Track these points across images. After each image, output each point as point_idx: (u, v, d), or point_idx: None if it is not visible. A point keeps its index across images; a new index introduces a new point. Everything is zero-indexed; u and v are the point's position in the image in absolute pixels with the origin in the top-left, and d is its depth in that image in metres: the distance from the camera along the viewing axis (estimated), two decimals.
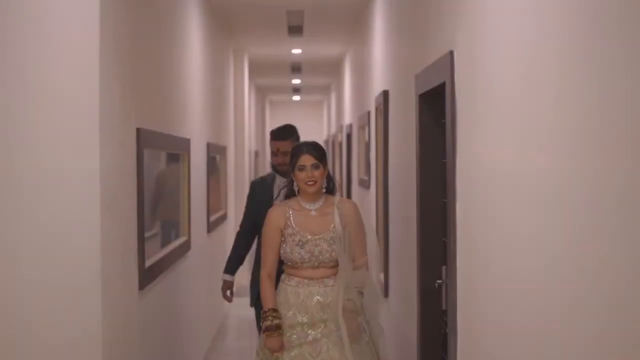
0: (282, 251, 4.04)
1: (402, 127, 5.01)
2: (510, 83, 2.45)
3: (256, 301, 4.97)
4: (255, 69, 13.58)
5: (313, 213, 4.07)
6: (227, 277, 5.27)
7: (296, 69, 13.78)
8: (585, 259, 1.84)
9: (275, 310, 3.97)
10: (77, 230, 2.84)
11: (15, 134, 2.60)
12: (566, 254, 1.96)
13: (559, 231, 2.01)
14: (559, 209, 2.01)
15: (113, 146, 3.44)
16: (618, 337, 1.68)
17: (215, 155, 8.07)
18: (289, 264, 4.06)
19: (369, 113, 7.43)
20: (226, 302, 6.00)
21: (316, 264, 4.00)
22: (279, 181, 5.04)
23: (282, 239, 4.05)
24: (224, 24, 9.18)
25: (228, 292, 5.26)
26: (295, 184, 4.10)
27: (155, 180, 5.02)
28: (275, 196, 4.71)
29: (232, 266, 5.28)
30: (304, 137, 4.88)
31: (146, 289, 4.32)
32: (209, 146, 7.44)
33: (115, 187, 3.53)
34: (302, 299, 3.99)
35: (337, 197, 4.18)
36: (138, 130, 4.04)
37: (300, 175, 4.03)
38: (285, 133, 5.19)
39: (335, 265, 4.01)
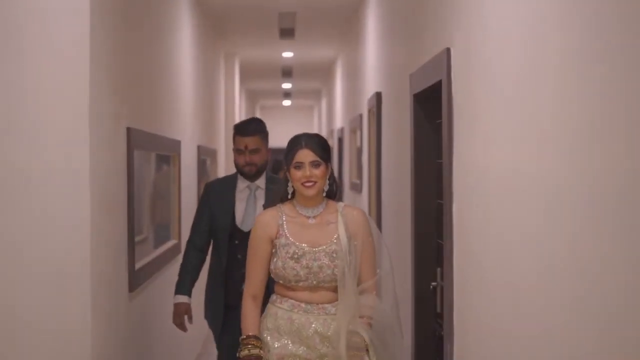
0: (272, 266, 3.30)
1: (396, 128, 4.98)
2: (509, 80, 2.42)
3: (220, 326, 4.36)
4: (246, 73, 13.55)
5: (311, 221, 3.33)
6: (182, 298, 4.36)
7: (287, 73, 13.76)
8: (586, 260, 1.81)
9: (256, 337, 3.25)
10: (66, 230, 2.78)
11: (3, 132, 2.55)
12: (566, 255, 1.93)
13: (558, 232, 1.98)
14: (558, 209, 1.98)
15: (103, 145, 3.39)
16: (618, 338, 1.66)
17: (205, 158, 8.02)
18: (281, 282, 3.31)
19: (361, 116, 7.40)
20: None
21: (314, 283, 3.25)
22: (242, 185, 4.39)
23: (273, 250, 3.31)
24: (215, 27, 9.14)
25: (185, 318, 4.40)
26: (289, 184, 3.35)
27: (147, 182, 4.96)
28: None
29: (185, 284, 4.38)
30: None
31: (136, 291, 4.28)
32: (199, 149, 7.39)
33: (105, 187, 3.48)
34: (296, 327, 3.25)
35: (341, 203, 3.41)
36: (128, 129, 3.99)
37: (296, 175, 3.28)
38: (254, 127, 4.43)
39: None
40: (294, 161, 3.30)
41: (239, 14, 8.62)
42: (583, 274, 1.82)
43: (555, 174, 2.01)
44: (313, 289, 3.27)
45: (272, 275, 3.33)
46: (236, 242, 4.29)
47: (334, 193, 3.43)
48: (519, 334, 2.31)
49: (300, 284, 3.27)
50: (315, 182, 3.29)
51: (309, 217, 3.35)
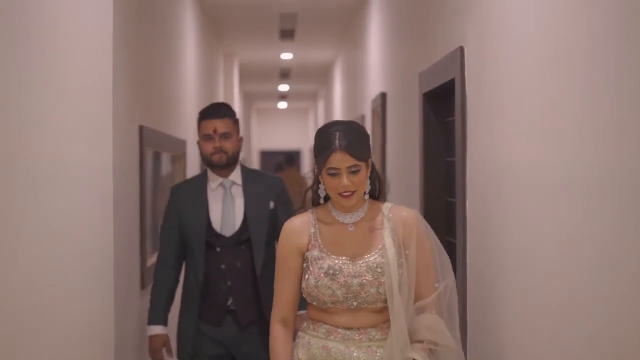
0: (303, 284, 2.72)
1: (402, 127, 4.99)
2: (525, 76, 2.44)
3: None
4: (244, 75, 13.56)
5: (351, 228, 2.73)
6: (157, 329, 3.73)
7: (285, 74, 13.78)
8: (610, 253, 1.80)
9: None
10: (91, 228, 2.74)
11: (31, 126, 2.55)
12: (589, 248, 1.92)
13: (580, 225, 1.98)
14: (579, 203, 1.98)
15: (121, 142, 3.41)
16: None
17: None
18: (314, 303, 2.72)
19: (362, 117, 7.42)
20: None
21: (355, 304, 2.66)
22: (214, 183, 3.79)
23: (304, 265, 2.73)
24: (216, 28, 9.16)
25: (164, 351, 3.79)
26: (321, 186, 2.74)
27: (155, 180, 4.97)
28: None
29: (159, 311, 3.76)
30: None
31: (146, 289, 4.29)
32: None
33: (123, 184, 3.49)
34: (333, 358, 2.68)
35: (387, 204, 2.79)
36: (141, 127, 4.01)
37: (331, 183, 2.65)
38: (225, 110, 3.84)
39: (385, 307, 2.67)
40: (327, 166, 2.65)
41: (239, 15, 8.64)
42: (608, 269, 1.82)
43: (574, 167, 2.01)
44: (353, 311, 2.68)
45: (303, 295, 2.76)
46: (218, 249, 3.76)
47: (376, 192, 2.82)
48: (537, 329, 2.31)
49: (337, 305, 2.67)
50: (355, 191, 2.67)
51: (347, 224, 2.75)
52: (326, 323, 2.70)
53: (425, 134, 4.03)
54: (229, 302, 3.76)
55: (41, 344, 2.05)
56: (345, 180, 2.63)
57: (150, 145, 4.35)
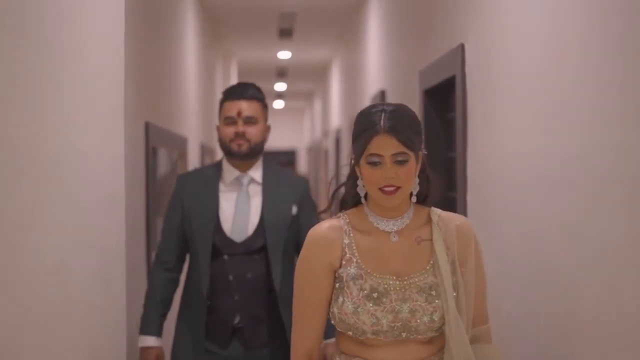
0: (334, 309, 2.12)
1: None
2: (526, 73, 2.47)
3: None
4: (242, 73, 13.59)
5: (394, 238, 2.13)
6: (149, 340, 3.19)
7: (282, 74, 13.80)
8: (615, 248, 1.81)
9: None
10: (104, 219, 2.78)
11: (49, 121, 2.62)
12: (595, 243, 1.93)
13: (583, 218, 2.00)
14: (583, 196, 2.00)
15: (130, 138, 3.45)
16: None
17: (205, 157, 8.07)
18: (349, 333, 2.11)
19: None
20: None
21: (403, 335, 2.07)
22: (229, 177, 3.25)
23: (337, 285, 2.12)
24: (216, 29, 9.19)
25: None
26: (359, 182, 2.15)
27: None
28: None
29: (152, 321, 3.21)
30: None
31: None
32: (202, 147, 7.44)
33: (132, 177, 3.53)
34: None
35: (435, 210, 2.21)
36: (147, 124, 4.06)
37: (372, 175, 2.06)
38: (253, 91, 3.28)
39: (439, 336, 2.11)
40: (368, 153, 2.06)
41: (239, 15, 8.66)
42: (611, 263, 1.82)
43: (574, 161, 2.05)
44: (399, 343, 2.09)
45: (333, 323, 2.16)
46: (225, 257, 3.22)
47: (423, 194, 2.21)
48: (541, 324, 2.33)
49: (380, 336, 2.08)
50: (400, 187, 2.07)
51: (389, 233, 2.14)
52: (364, 359, 2.11)
53: (426, 130, 4.08)
54: (236, 319, 3.22)
55: (49, 343, 2.09)
56: (389, 170, 2.04)
57: (155, 141, 4.40)
